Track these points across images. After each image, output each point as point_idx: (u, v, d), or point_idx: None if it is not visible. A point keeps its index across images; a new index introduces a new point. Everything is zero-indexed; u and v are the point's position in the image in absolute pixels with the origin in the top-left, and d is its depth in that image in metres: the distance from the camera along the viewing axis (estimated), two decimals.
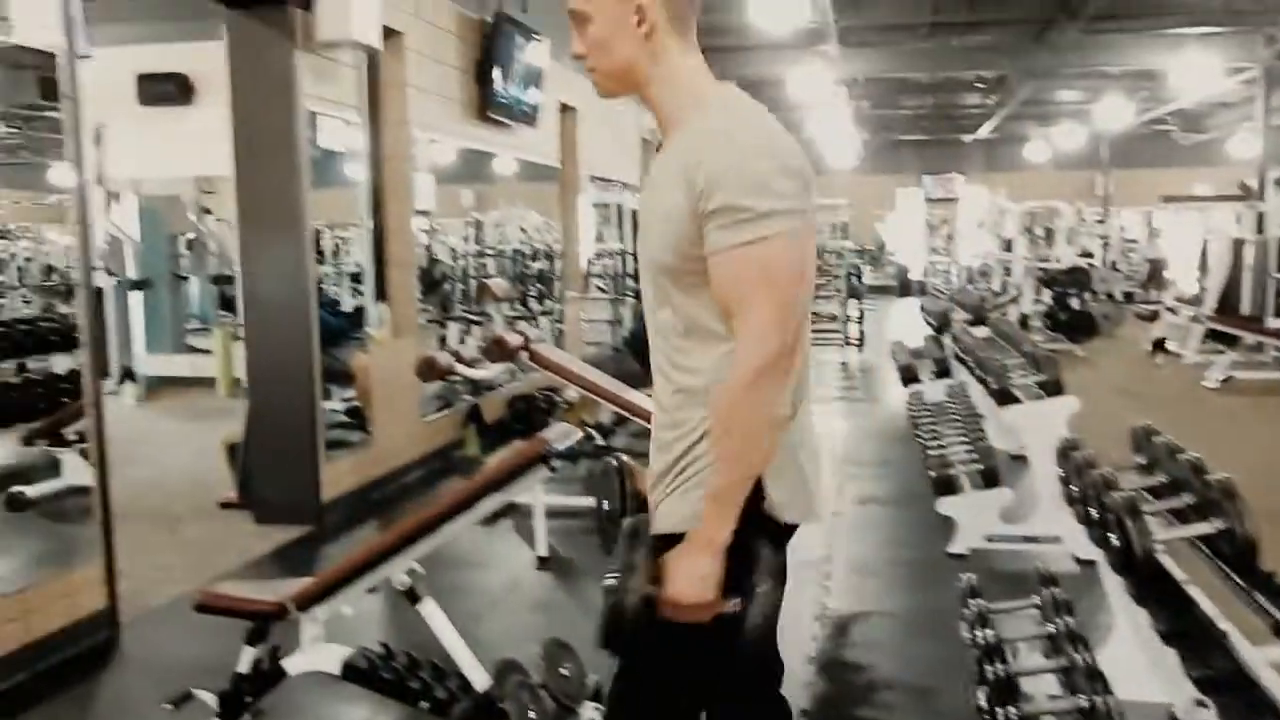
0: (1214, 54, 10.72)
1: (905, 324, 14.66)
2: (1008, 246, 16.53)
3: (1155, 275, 18.33)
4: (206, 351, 9.12)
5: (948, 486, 4.36)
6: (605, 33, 1.55)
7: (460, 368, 4.94)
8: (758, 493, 1.50)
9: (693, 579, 1.47)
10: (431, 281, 8.16)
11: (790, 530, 1.60)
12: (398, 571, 2.67)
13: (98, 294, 3.66)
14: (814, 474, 1.62)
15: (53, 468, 5.17)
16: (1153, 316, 10.41)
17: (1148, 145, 20.15)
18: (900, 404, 8.29)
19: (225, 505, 5.19)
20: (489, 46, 6.63)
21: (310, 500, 4.90)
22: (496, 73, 6.66)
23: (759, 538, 1.52)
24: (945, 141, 22.32)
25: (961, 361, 5.47)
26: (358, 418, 5.57)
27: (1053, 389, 4.19)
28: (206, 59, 8.37)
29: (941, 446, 4.72)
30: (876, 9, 10.02)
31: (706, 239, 1.44)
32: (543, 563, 4.35)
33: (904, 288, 20.88)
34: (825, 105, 13.46)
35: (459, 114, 6.45)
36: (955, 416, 5.29)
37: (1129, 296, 16.15)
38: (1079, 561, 4.02)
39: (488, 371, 5.11)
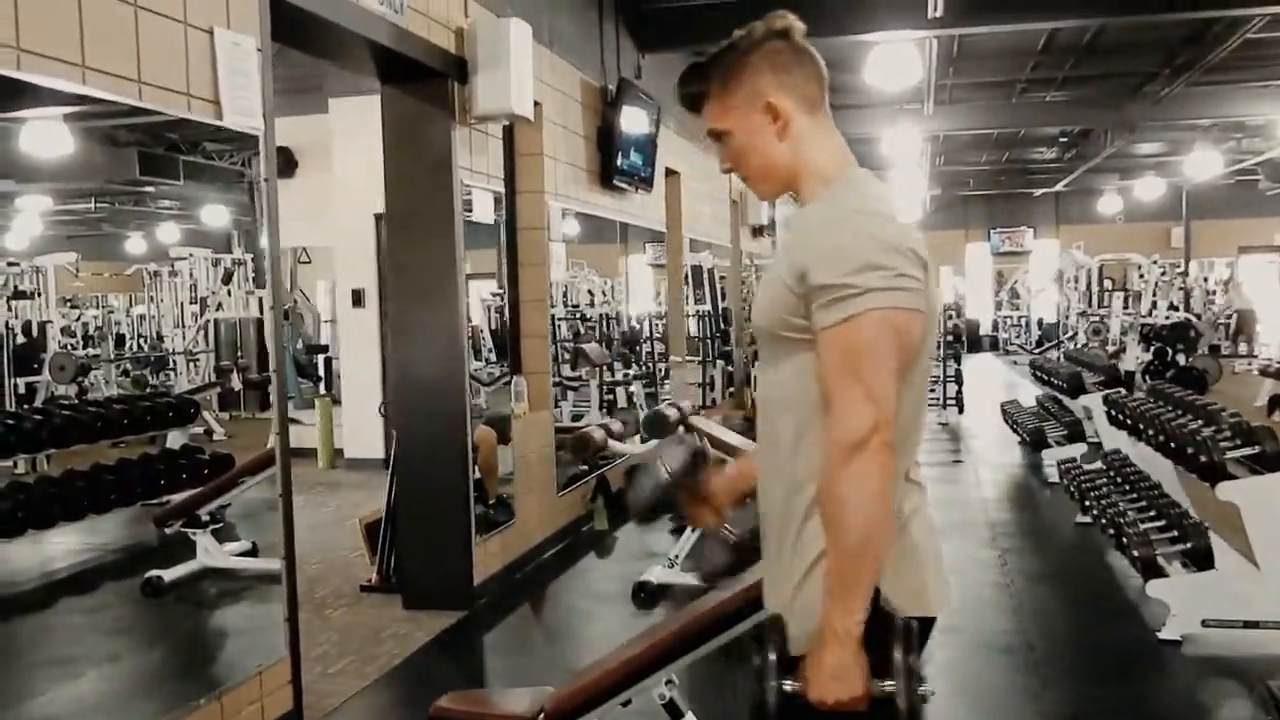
0: None
1: (993, 382, 14.45)
2: (1089, 301, 16.26)
3: (1243, 327, 17.89)
4: (296, 422, 9.06)
5: (1154, 568, 4.09)
6: (746, 141, 1.60)
7: (615, 444, 4.77)
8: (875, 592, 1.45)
9: (834, 677, 1.42)
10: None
11: (928, 625, 1.54)
12: (658, 684, 2.46)
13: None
14: (938, 557, 1.59)
15: (187, 549, 5.08)
16: (1276, 373, 10.00)
17: (1226, 195, 19.74)
18: (1019, 468, 8.05)
19: (367, 588, 5.03)
20: (611, 114, 6.56)
21: (463, 584, 4.72)
22: (619, 140, 6.58)
23: (890, 637, 1.44)
24: (1014, 195, 22.06)
25: (1128, 427, 5.19)
26: (481, 493, 5.38)
27: (1274, 463, 3.92)
28: (308, 132, 8.59)
29: (1123, 521, 4.45)
30: (979, 66, 9.87)
31: (812, 319, 1.46)
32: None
33: (972, 344, 20.49)
34: (909, 162, 13.31)
35: (585, 182, 6.37)
36: (1128, 487, 5.02)
37: (1214, 350, 15.73)
38: None
39: (642, 447, 4.93)
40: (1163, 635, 4.00)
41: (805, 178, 1.61)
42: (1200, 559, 4.08)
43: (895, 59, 7.63)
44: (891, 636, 1.45)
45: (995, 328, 22.42)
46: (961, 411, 10.91)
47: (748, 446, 4.99)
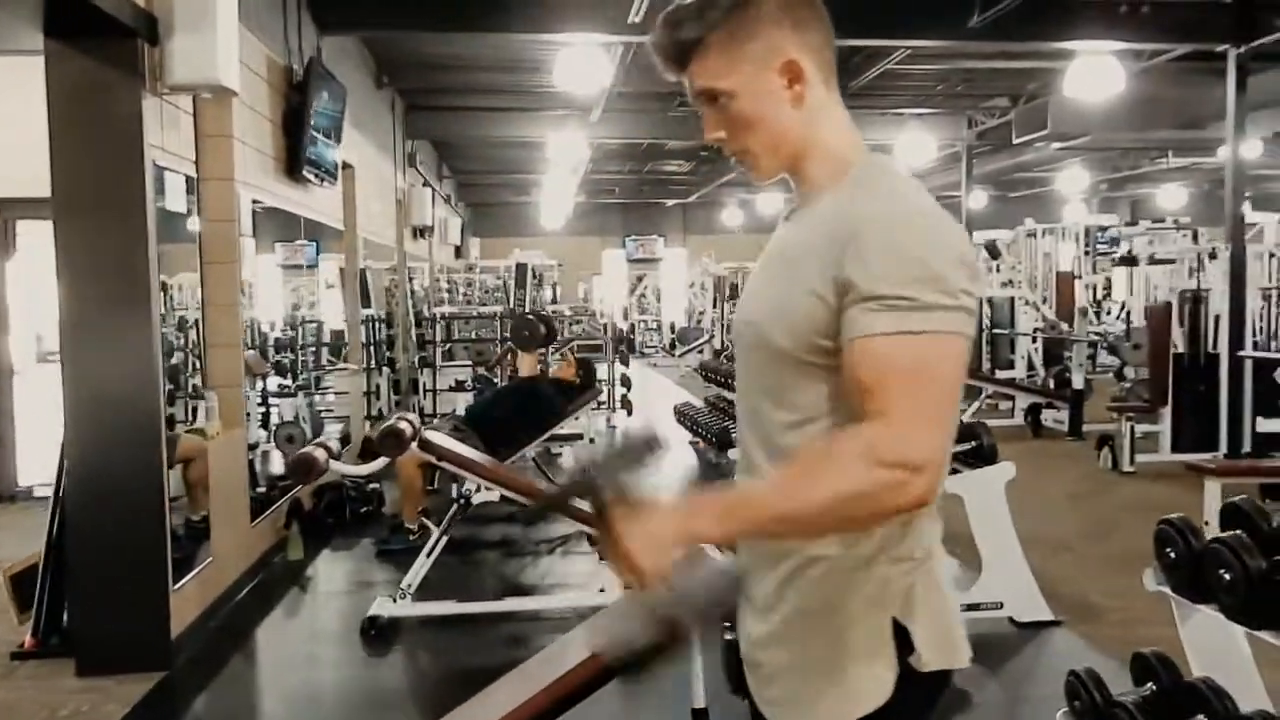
0: (929, 132, 11.85)
1: (642, 384, 14.94)
2: (722, 305, 17.39)
3: None
4: None
5: None
6: (753, 107, 1.32)
7: (340, 466, 4.24)
8: (905, 645, 1.29)
9: (652, 541, 1.18)
10: None
11: (944, 679, 1.35)
12: None
13: None
14: (955, 611, 1.38)
15: None
16: None
17: None
18: (701, 469, 8.29)
19: (21, 654, 4.11)
20: (298, 97, 5.92)
21: (158, 638, 3.98)
22: (308, 126, 5.95)
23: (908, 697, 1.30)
24: (648, 205, 23.14)
25: None
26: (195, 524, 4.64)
27: (990, 455, 4.25)
28: None
29: None
30: (647, 76, 10.09)
31: (850, 323, 1.21)
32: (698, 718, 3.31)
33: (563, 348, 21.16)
34: (569, 168, 13.45)
35: (273, 171, 5.68)
36: None
37: None
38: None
39: (371, 468, 4.43)
40: None
41: (817, 159, 1.35)
42: None
43: (585, 62, 7.57)
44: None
45: (632, 331, 23.37)
46: (630, 414, 11.14)
47: (487, 462, 4.67)
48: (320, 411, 8.43)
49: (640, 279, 23.08)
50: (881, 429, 1.17)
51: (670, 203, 22.75)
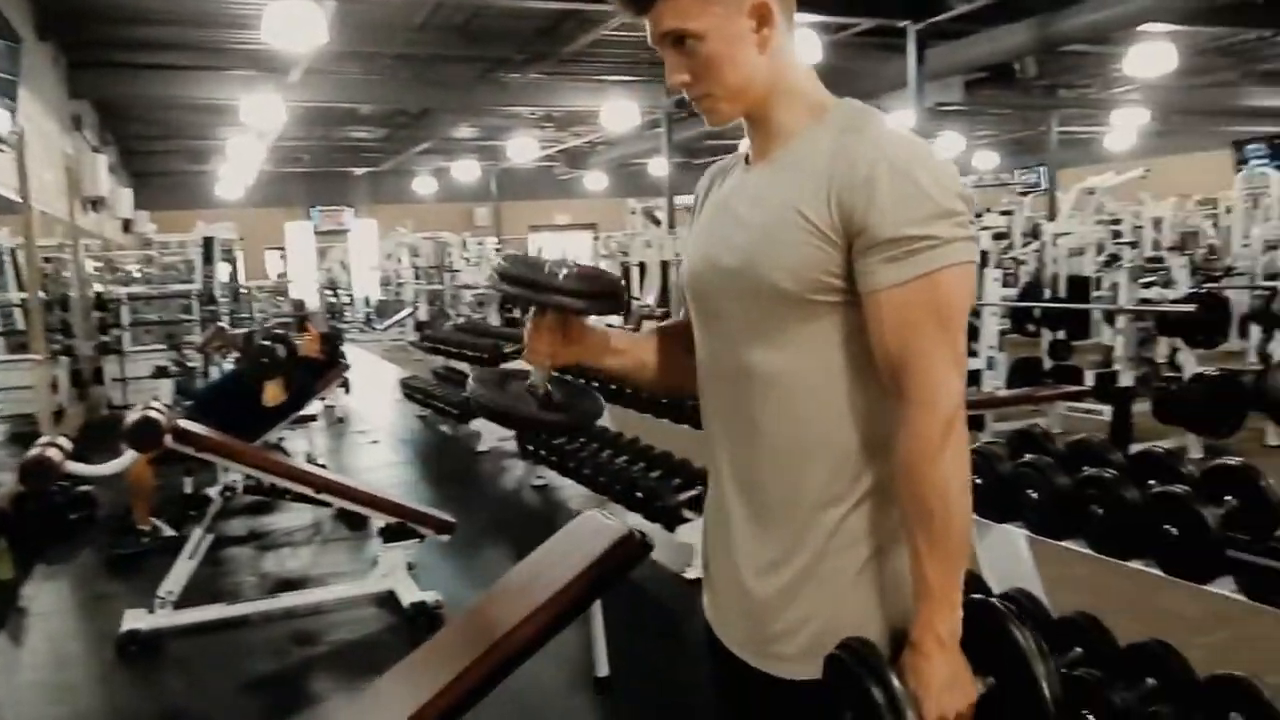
0: (634, 99, 12.14)
1: (361, 361, 14.22)
2: (417, 277, 16.93)
3: None
4: None
5: (678, 518, 4.40)
6: (723, 50, 1.30)
7: (79, 467, 3.70)
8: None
9: (948, 688, 1.24)
10: None
11: None
12: None
13: None
14: None
15: None
16: None
17: (526, 179, 22.01)
18: (445, 441, 8.03)
19: None
20: None
21: None
22: None
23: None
24: (334, 174, 22.08)
25: None
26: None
27: None
28: None
29: (632, 480, 4.73)
30: (357, 35, 9.57)
31: (867, 275, 1.23)
32: (602, 687, 3.34)
33: (301, 322, 20.13)
34: (260, 135, 12.54)
35: None
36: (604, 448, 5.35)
37: None
38: None
39: (115, 467, 3.89)
40: (689, 576, 4.31)
41: (785, 103, 1.34)
42: None
43: (297, 18, 7.06)
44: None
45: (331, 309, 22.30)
46: (349, 392, 10.63)
47: (258, 451, 4.29)
48: None
49: (325, 252, 22.07)
50: (923, 395, 1.23)
51: (359, 171, 21.85)
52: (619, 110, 11.93)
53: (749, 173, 1.40)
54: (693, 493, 4.54)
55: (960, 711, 1.25)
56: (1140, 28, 8.73)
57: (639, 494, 4.61)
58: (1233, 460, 2.55)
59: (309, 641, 3.99)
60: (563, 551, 2.05)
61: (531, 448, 5.97)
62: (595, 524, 2.18)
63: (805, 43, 8.45)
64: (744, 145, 1.46)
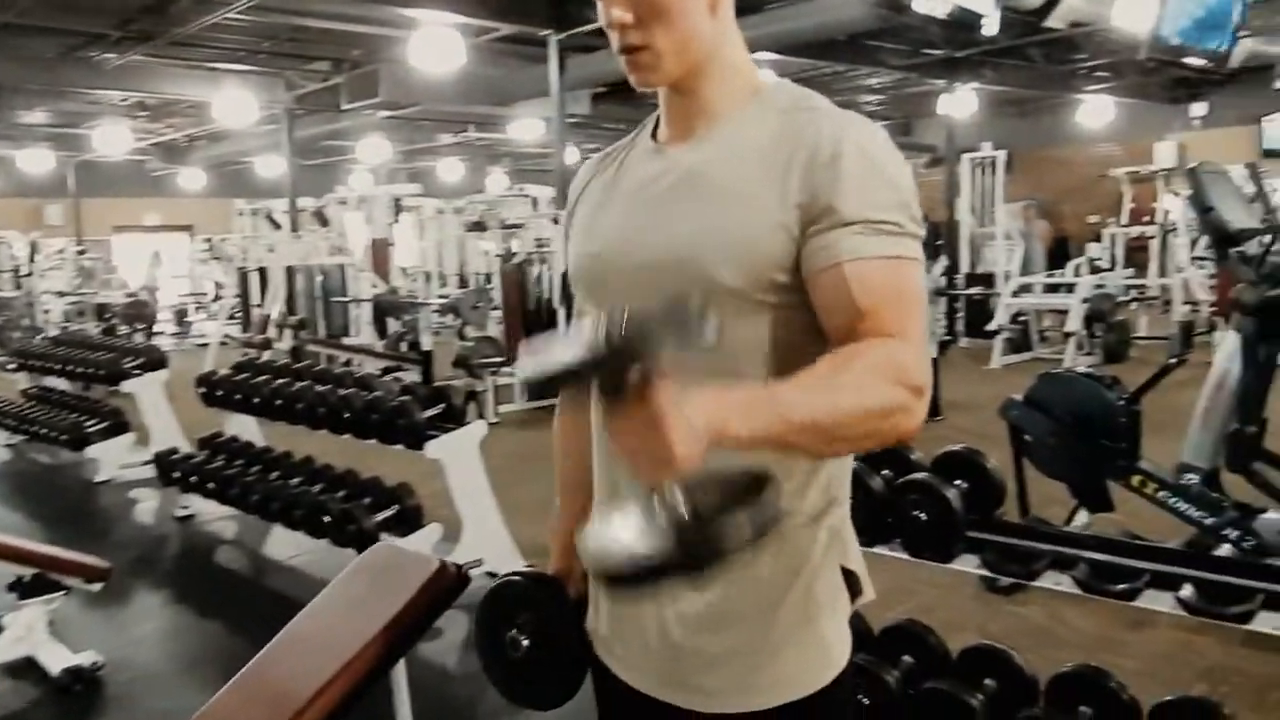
0: (251, 90, 11.24)
1: None
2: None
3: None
4: None
5: (373, 539, 4.10)
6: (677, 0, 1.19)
7: None
8: (854, 589, 1.29)
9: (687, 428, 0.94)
10: None
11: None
12: None
13: None
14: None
15: None
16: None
17: (109, 173, 19.69)
18: (45, 470, 6.87)
19: None
20: None
21: None
22: None
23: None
24: None
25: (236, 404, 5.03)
26: None
27: (460, 416, 4.27)
28: None
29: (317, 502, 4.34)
30: None
31: (830, 246, 1.12)
32: None
33: None
34: None
35: None
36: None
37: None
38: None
39: None
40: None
41: (718, 76, 1.24)
42: (412, 520, 4.23)
43: None
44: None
45: None
46: None
47: None
48: None
49: None
50: (908, 358, 1.08)
51: None
52: (235, 102, 10.99)
53: (662, 155, 1.27)
54: (388, 513, 4.27)
55: (677, 454, 0.92)
56: None
57: (326, 518, 4.24)
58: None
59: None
60: (359, 596, 1.76)
61: (176, 474, 5.29)
62: (393, 556, 1.90)
63: (450, 44, 8.27)
64: (649, 122, 1.33)
